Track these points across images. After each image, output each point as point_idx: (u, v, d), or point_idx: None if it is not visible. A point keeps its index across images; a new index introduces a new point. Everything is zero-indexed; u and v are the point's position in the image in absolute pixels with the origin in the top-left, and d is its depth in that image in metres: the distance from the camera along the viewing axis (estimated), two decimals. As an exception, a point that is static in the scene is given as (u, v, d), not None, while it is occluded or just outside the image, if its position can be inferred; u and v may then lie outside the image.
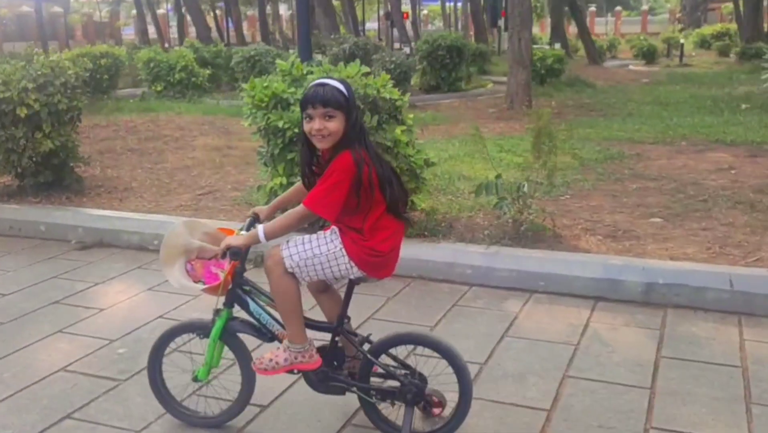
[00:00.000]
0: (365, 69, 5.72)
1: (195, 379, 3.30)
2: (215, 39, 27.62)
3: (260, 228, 2.88)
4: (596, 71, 24.14)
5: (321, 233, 2.98)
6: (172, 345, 3.43)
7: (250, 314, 3.16)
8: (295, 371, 3.12)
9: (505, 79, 22.28)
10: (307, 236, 2.98)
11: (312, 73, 5.77)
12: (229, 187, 7.84)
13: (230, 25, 41.82)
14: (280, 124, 5.36)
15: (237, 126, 11.37)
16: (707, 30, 41.61)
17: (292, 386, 3.74)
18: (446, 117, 13.48)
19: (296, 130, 5.36)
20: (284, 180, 5.54)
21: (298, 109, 5.38)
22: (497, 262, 5.27)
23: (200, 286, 3.09)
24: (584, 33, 27.61)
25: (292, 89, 5.62)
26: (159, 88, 15.50)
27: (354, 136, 2.79)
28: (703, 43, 39.25)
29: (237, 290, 3.13)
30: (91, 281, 5.53)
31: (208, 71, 16.59)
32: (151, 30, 56.87)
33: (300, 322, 3.02)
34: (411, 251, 5.47)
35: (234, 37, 38.60)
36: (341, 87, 2.78)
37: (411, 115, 5.94)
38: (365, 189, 2.78)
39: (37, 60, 6.95)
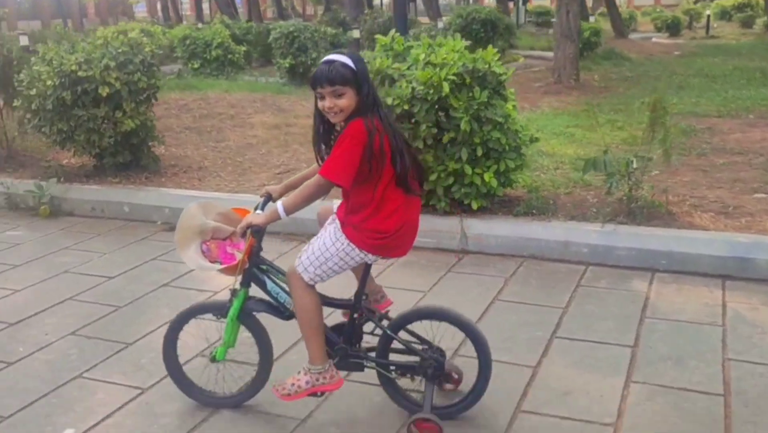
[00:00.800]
0: (463, 43, 5.55)
1: (213, 359, 3.27)
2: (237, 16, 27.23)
3: (279, 204, 2.88)
4: (625, 44, 23.72)
5: (322, 233, 3.00)
6: (187, 327, 3.38)
7: (268, 292, 3.15)
8: (319, 393, 3.11)
9: (533, 52, 22.19)
10: (315, 243, 2.98)
11: (412, 47, 5.60)
12: (304, 165, 7.67)
13: (238, 1, 41.33)
14: (389, 101, 5.19)
15: (289, 103, 11.23)
16: (728, 1, 40.93)
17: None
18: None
19: (405, 107, 5.21)
20: (390, 158, 5.38)
21: (404, 84, 5.24)
22: (616, 240, 5.13)
23: (217, 266, 3.08)
24: (611, 5, 27.13)
25: (396, 65, 5.45)
26: (195, 66, 15.28)
27: (366, 107, 2.79)
28: (724, 15, 38.65)
29: (254, 270, 3.11)
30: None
31: (243, 48, 16.35)
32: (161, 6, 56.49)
33: (321, 342, 3.03)
34: (521, 229, 5.37)
35: (245, 15, 38.14)
36: (349, 62, 2.77)
37: (512, 90, 5.78)
38: (376, 157, 2.76)
39: (113, 39, 6.76)
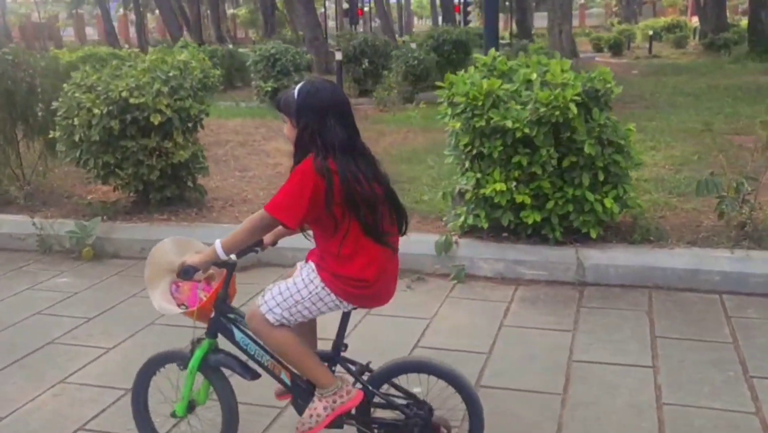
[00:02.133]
0: (569, 62, 5.25)
1: (173, 415, 3.01)
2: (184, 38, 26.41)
3: (217, 242, 2.65)
4: (580, 64, 24.14)
5: (296, 275, 2.78)
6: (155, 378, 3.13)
7: (236, 344, 2.89)
8: (344, 416, 2.85)
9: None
10: (282, 284, 2.75)
11: (519, 67, 5.26)
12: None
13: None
14: (509, 123, 4.82)
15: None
16: (659, 22, 42.28)
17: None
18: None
19: (526, 131, 4.85)
20: (503, 186, 5.00)
21: (518, 107, 4.89)
22: (750, 267, 4.87)
23: (181, 310, 2.86)
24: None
25: (507, 85, 5.09)
26: (171, 91, 14.56)
27: (304, 143, 2.60)
28: (654, 36, 39.85)
29: (220, 319, 2.87)
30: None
31: (218, 71, 15.69)
32: (89, 31, 54.72)
33: (316, 364, 2.80)
34: (645, 258, 5.08)
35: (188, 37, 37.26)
36: (296, 92, 2.63)
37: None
38: (337, 204, 2.55)
39: (169, 61, 6.18)
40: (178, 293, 2.95)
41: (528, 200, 5.03)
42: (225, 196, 7.20)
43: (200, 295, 2.92)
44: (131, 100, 5.83)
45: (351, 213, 2.57)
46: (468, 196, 5.34)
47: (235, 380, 3.03)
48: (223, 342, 2.96)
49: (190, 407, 3.03)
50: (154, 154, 6.07)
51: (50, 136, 6.25)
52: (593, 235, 5.15)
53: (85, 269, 5.85)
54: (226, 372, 2.99)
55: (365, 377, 2.91)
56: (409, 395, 2.91)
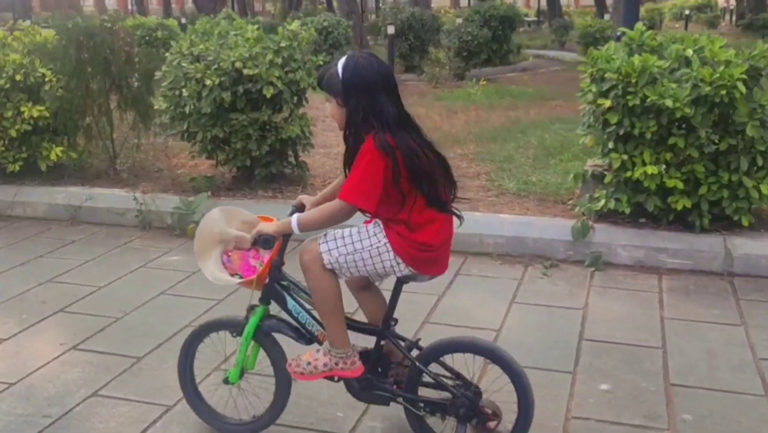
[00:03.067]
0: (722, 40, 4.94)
1: (226, 381, 3.00)
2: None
3: (294, 217, 2.64)
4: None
5: (363, 225, 2.71)
6: (202, 345, 3.12)
7: (288, 312, 2.87)
8: (336, 378, 2.84)
9: (542, 52, 21.86)
10: (347, 230, 2.70)
11: (670, 43, 4.96)
12: (473, 171, 6.95)
13: None
14: (668, 102, 4.53)
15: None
16: (688, 1, 41.51)
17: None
18: (547, 92, 12.71)
19: (686, 111, 4.56)
20: (654, 169, 4.73)
21: (673, 85, 4.60)
22: None
23: (236, 279, 2.85)
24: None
25: (660, 62, 4.79)
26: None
27: (356, 122, 2.55)
28: (681, 16, 39.15)
29: (274, 285, 2.85)
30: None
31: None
32: (109, 0, 54.16)
33: (342, 324, 2.76)
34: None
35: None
36: (339, 69, 2.55)
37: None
38: (400, 179, 2.53)
39: (280, 31, 5.88)
40: (230, 262, 2.91)
41: (680, 185, 4.76)
42: (320, 173, 6.94)
43: (252, 263, 2.88)
44: (245, 72, 5.56)
45: (415, 186, 2.55)
46: (608, 178, 5.06)
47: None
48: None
49: (241, 373, 2.98)
50: (264, 128, 5.79)
51: (156, 107, 5.96)
52: (745, 223, 4.88)
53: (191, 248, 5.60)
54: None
55: (414, 354, 2.84)
56: (457, 375, 2.83)
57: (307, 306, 2.84)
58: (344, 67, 2.54)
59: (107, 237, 5.84)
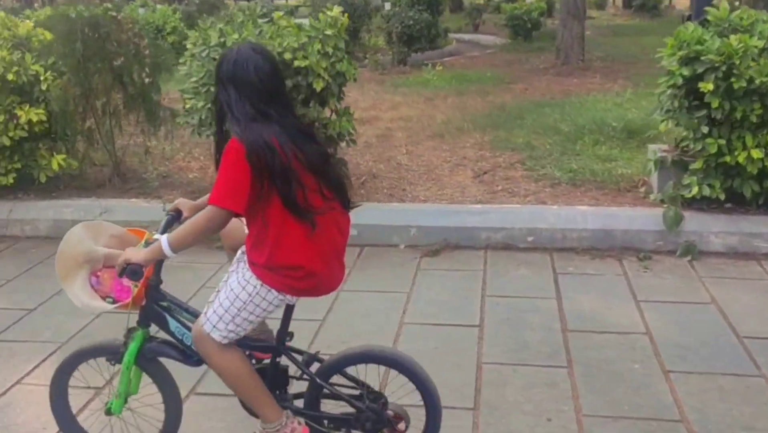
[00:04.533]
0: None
1: (108, 412, 2.73)
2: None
3: (164, 239, 2.40)
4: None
5: (228, 279, 2.52)
6: (77, 373, 2.83)
7: (171, 334, 2.66)
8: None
9: (459, 35, 21.77)
10: (222, 293, 2.50)
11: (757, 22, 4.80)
12: (488, 154, 6.63)
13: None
14: None
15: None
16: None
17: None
18: (502, 76, 12.56)
19: (793, 91, 4.43)
20: (759, 153, 4.57)
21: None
22: None
23: (108, 304, 2.62)
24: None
25: (756, 41, 4.63)
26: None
27: (218, 112, 2.46)
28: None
29: (153, 306, 2.64)
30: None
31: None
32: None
33: (266, 398, 2.59)
34: None
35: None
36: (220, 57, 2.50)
37: None
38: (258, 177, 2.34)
39: (322, 17, 5.33)
40: (99, 284, 2.66)
41: (782, 168, 4.63)
42: (356, 173, 6.40)
43: (126, 283, 2.60)
44: (295, 63, 4.99)
45: (270, 179, 2.32)
46: (698, 164, 4.87)
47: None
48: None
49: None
50: (314, 125, 5.24)
51: (187, 106, 5.28)
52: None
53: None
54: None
55: (314, 368, 2.68)
56: (361, 385, 2.68)
57: (191, 325, 2.59)
58: (224, 56, 2.46)
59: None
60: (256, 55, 2.42)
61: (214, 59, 5.20)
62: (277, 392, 2.69)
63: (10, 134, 5.43)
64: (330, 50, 5.17)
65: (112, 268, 2.57)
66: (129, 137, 6.10)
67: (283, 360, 2.69)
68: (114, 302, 2.60)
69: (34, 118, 5.42)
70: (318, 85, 5.10)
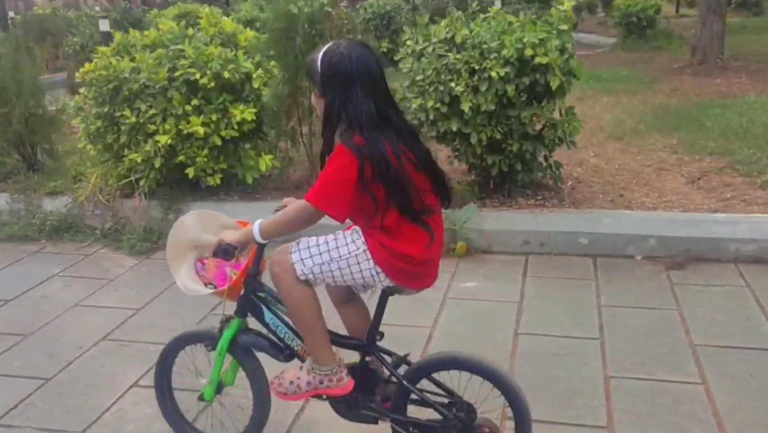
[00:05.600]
0: None
1: (201, 398, 2.79)
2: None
3: (257, 224, 2.44)
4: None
5: (340, 232, 2.50)
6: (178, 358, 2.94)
7: (266, 325, 2.67)
8: (323, 396, 2.65)
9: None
10: (322, 237, 2.48)
11: None
12: (707, 164, 6.24)
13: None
14: None
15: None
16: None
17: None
18: (635, 76, 12.07)
19: None
20: None
21: None
22: None
23: (209, 290, 2.66)
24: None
25: None
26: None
27: (332, 118, 2.32)
28: None
29: (250, 297, 2.65)
30: None
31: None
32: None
33: (323, 338, 2.54)
34: None
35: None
36: (319, 58, 2.33)
37: None
38: (369, 183, 2.29)
39: (554, 13, 5.02)
40: (204, 270, 2.76)
41: None
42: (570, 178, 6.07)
43: (228, 272, 2.70)
44: (536, 60, 4.70)
45: (388, 191, 2.30)
46: None
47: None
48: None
49: (219, 389, 2.80)
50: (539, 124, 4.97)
51: (414, 106, 5.03)
52: None
53: (474, 268, 4.75)
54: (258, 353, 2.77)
55: (402, 370, 2.62)
56: (449, 392, 2.60)
57: (287, 319, 2.63)
58: (323, 55, 2.33)
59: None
60: (369, 52, 2.35)
61: (440, 56, 4.97)
62: (365, 388, 2.65)
63: (222, 134, 5.28)
64: (569, 46, 4.86)
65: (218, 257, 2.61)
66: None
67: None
68: (214, 288, 2.66)
69: (248, 117, 5.25)
70: (554, 83, 4.80)
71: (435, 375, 2.61)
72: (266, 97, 5.32)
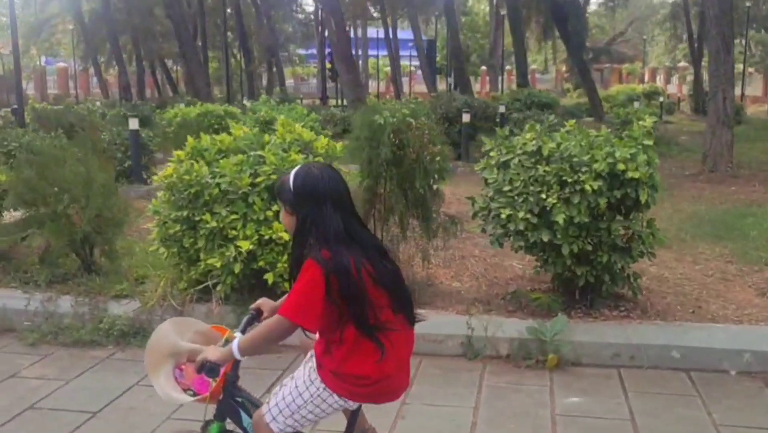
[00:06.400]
0: None
1: None
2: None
3: (235, 342, 2.58)
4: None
5: (296, 374, 2.70)
6: None
7: (243, 429, 2.81)
8: None
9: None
10: (286, 387, 2.69)
11: None
12: None
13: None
14: None
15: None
16: (636, 89, 42.98)
17: None
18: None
19: None
20: None
21: None
22: None
23: (188, 397, 2.79)
24: (591, 88, 27.55)
25: None
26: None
27: (303, 233, 2.55)
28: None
29: (229, 402, 2.80)
30: None
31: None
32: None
33: None
34: None
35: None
36: (291, 178, 2.59)
37: None
38: (334, 295, 2.49)
39: (636, 128, 5.16)
40: (182, 377, 2.86)
41: None
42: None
43: (207, 378, 2.77)
44: (628, 174, 4.78)
45: (347, 304, 2.49)
46: None
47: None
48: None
49: None
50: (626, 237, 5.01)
51: (504, 215, 5.04)
52: None
53: (570, 382, 4.66)
54: None
55: None
56: None
57: None
58: (295, 176, 2.56)
59: (437, 368, 4.83)
60: (337, 174, 2.61)
61: (527, 167, 5.03)
62: None
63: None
64: (656, 161, 4.96)
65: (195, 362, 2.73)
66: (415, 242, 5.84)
67: None
68: (194, 395, 2.77)
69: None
70: (644, 197, 4.87)
71: None
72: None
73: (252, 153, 5.51)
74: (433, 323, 5.19)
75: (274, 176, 5.23)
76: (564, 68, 65.32)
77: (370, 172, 5.26)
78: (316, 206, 2.51)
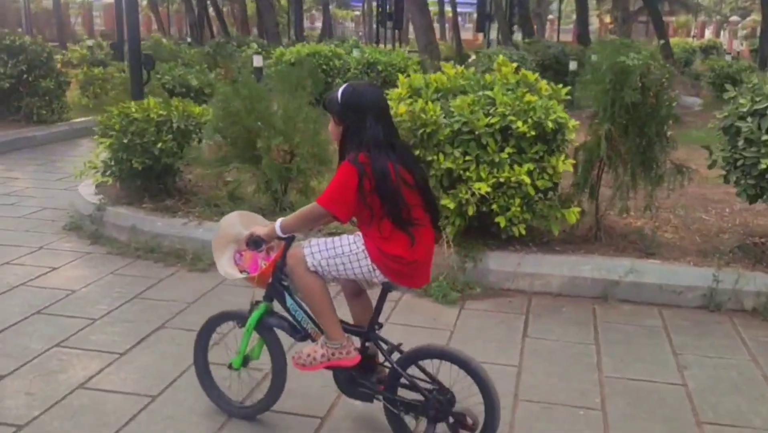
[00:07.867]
0: None
1: (230, 366, 3.34)
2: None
3: (278, 222, 2.97)
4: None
5: (345, 235, 3.01)
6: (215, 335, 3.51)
7: (287, 309, 3.18)
8: (334, 367, 3.11)
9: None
10: (330, 238, 3.02)
11: None
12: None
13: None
14: None
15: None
16: (692, 43, 41.92)
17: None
18: None
19: None
20: None
21: None
22: None
23: (242, 275, 3.17)
24: (666, 41, 26.71)
25: None
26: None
27: (350, 141, 2.89)
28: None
29: (276, 284, 3.16)
30: None
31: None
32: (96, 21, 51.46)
33: (333, 318, 3.04)
34: None
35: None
36: (339, 92, 2.92)
37: None
38: (366, 195, 2.81)
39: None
40: (241, 261, 3.22)
41: None
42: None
43: (260, 263, 3.17)
44: None
45: (382, 202, 2.82)
46: None
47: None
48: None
49: (245, 361, 3.33)
50: None
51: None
52: None
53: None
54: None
55: (395, 357, 3.08)
56: (433, 380, 3.03)
57: (305, 306, 3.12)
58: (343, 91, 2.91)
59: (685, 323, 4.73)
60: (378, 90, 2.98)
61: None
62: (363, 370, 3.11)
63: (538, 184, 5.11)
64: None
65: (255, 250, 3.12)
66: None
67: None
68: (246, 275, 3.15)
69: (568, 168, 5.10)
70: None
71: (422, 363, 3.04)
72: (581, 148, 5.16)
73: (480, 93, 5.35)
74: (668, 273, 5.11)
75: (512, 118, 5.08)
76: (608, 19, 63.89)
77: (611, 116, 5.08)
78: (360, 117, 2.85)
